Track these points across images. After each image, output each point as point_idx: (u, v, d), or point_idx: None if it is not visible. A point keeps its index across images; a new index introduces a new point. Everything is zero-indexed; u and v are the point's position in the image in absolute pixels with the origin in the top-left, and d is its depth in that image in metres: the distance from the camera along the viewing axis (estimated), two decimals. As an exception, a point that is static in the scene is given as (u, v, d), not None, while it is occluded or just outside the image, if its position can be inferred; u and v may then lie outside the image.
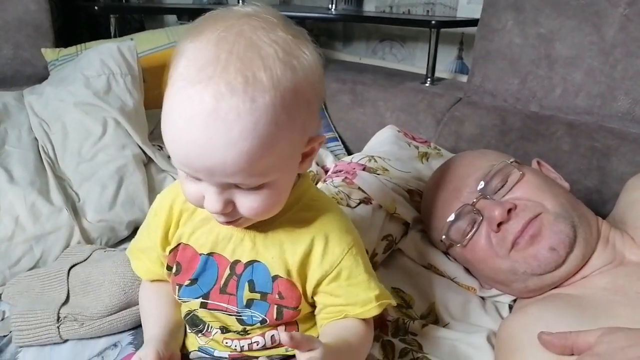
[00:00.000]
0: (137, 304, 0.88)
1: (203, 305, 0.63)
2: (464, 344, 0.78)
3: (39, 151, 1.14)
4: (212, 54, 0.47)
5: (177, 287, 0.65)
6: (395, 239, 0.95)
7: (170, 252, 0.66)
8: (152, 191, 1.20)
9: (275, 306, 0.61)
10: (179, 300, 0.66)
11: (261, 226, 0.61)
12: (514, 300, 0.88)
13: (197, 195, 0.54)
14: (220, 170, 0.49)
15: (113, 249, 1.06)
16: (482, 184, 0.84)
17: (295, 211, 0.62)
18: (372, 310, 0.62)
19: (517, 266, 0.80)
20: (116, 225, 1.11)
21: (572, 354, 0.62)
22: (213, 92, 0.46)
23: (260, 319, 0.62)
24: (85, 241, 1.05)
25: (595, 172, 1.13)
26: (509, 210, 0.80)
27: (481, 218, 0.83)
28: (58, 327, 0.85)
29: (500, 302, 0.88)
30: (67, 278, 0.92)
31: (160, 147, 1.32)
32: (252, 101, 0.46)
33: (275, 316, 0.62)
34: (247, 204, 0.53)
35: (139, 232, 0.73)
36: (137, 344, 0.85)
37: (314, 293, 0.63)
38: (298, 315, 0.63)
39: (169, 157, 1.31)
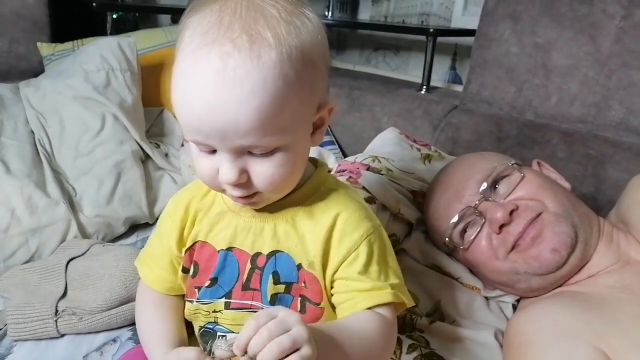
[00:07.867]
0: (138, 299, 0.87)
1: (227, 306, 0.60)
2: (471, 341, 0.78)
3: (36, 144, 1.12)
4: (215, 18, 0.48)
5: (195, 290, 0.62)
6: (399, 239, 0.95)
7: (185, 252, 0.64)
8: (149, 188, 1.18)
9: (299, 298, 0.59)
10: (196, 305, 0.62)
11: (280, 215, 0.60)
12: (518, 301, 0.88)
13: (210, 171, 0.53)
14: (232, 131, 0.48)
15: (112, 244, 1.04)
16: (484, 186, 0.84)
17: (313, 200, 0.61)
18: (386, 295, 0.58)
19: (517, 266, 0.80)
20: (113, 221, 1.09)
21: None
22: (219, 53, 0.47)
23: None
24: (81, 236, 1.03)
25: (590, 179, 1.15)
26: (511, 212, 0.80)
27: (483, 220, 0.83)
28: (56, 321, 0.83)
29: (504, 302, 0.88)
30: (65, 271, 0.90)
31: (158, 145, 1.30)
32: (258, 58, 0.47)
33: (299, 309, 0.59)
34: (262, 171, 0.52)
35: (149, 240, 0.70)
36: (137, 339, 0.83)
37: (332, 281, 0.60)
38: (321, 316, 0.60)
39: (166, 154, 1.30)
